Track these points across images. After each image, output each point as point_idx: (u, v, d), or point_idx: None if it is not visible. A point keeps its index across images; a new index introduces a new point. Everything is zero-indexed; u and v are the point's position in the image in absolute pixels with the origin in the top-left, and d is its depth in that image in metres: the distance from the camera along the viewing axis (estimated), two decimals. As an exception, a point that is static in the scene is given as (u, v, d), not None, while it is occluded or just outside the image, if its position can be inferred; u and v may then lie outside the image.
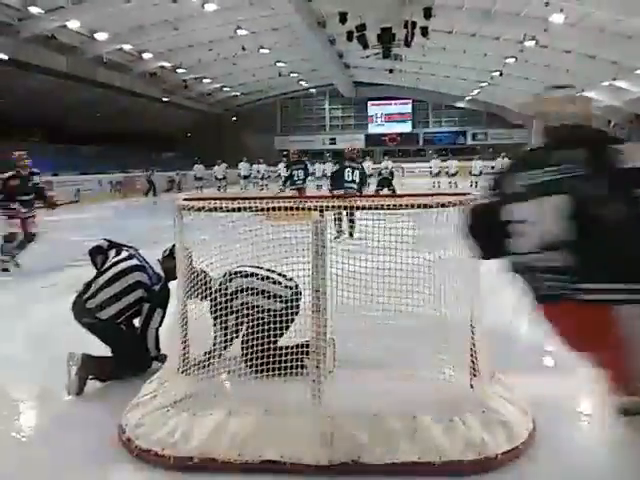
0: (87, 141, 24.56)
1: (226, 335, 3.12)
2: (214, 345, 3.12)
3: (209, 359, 3.00)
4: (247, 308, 3.10)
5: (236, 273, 3.20)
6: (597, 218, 1.78)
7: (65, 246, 9.26)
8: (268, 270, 3.24)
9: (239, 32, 22.56)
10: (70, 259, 7.43)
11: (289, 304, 3.08)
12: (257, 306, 3.11)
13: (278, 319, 2.99)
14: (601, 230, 1.78)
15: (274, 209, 2.63)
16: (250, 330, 3.01)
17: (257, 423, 2.49)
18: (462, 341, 2.79)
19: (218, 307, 3.01)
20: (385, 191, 16.60)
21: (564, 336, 1.92)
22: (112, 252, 3.63)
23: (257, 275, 3.22)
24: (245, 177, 25.81)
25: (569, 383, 3.34)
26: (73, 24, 19.16)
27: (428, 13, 19.58)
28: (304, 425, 2.45)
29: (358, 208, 2.63)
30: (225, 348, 3.17)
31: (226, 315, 3.04)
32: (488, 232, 2.07)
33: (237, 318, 3.18)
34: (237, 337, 3.20)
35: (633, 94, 24.07)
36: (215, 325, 3.10)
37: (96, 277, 3.49)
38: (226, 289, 3.11)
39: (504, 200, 1.98)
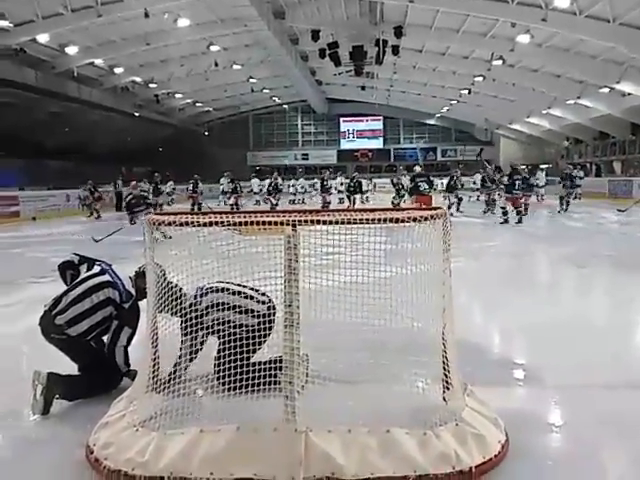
0: (56, 156, 24.11)
1: (191, 352, 3.08)
2: (179, 360, 3.08)
3: (174, 375, 2.96)
4: (220, 324, 3.05)
5: (209, 288, 3.15)
6: None
7: (29, 263, 9.05)
8: (239, 285, 3.20)
9: (212, 48, 22.62)
10: (34, 276, 7.27)
11: (264, 319, 3.05)
12: (230, 321, 3.06)
13: (252, 334, 2.95)
14: None
15: (246, 224, 2.61)
16: (223, 346, 2.97)
17: (229, 441, 2.44)
18: (435, 354, 2.80)
19: (188, 324, 2.95)
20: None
21: None
22: (83, 267, 3.54)
23: (229, 290, 3.17)
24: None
25: (540, 395, 3.38)
26: (43, 38, 18.97)
27: (399, 32, 20.01)
28: (277, 442, 2.41)
29: (331, 223, 2.62)
30: (191, 360, 3.13)
31: (196, 332, 3.00)
32: None
33: (204, 336, 3.15)
34: (199, 351, 3.16)
35: (597, 112, 24.82)
36: (183, 342, 3.06)
37: (66, 292, 3.37)
38: (200, 304, 3.05)
39: None
